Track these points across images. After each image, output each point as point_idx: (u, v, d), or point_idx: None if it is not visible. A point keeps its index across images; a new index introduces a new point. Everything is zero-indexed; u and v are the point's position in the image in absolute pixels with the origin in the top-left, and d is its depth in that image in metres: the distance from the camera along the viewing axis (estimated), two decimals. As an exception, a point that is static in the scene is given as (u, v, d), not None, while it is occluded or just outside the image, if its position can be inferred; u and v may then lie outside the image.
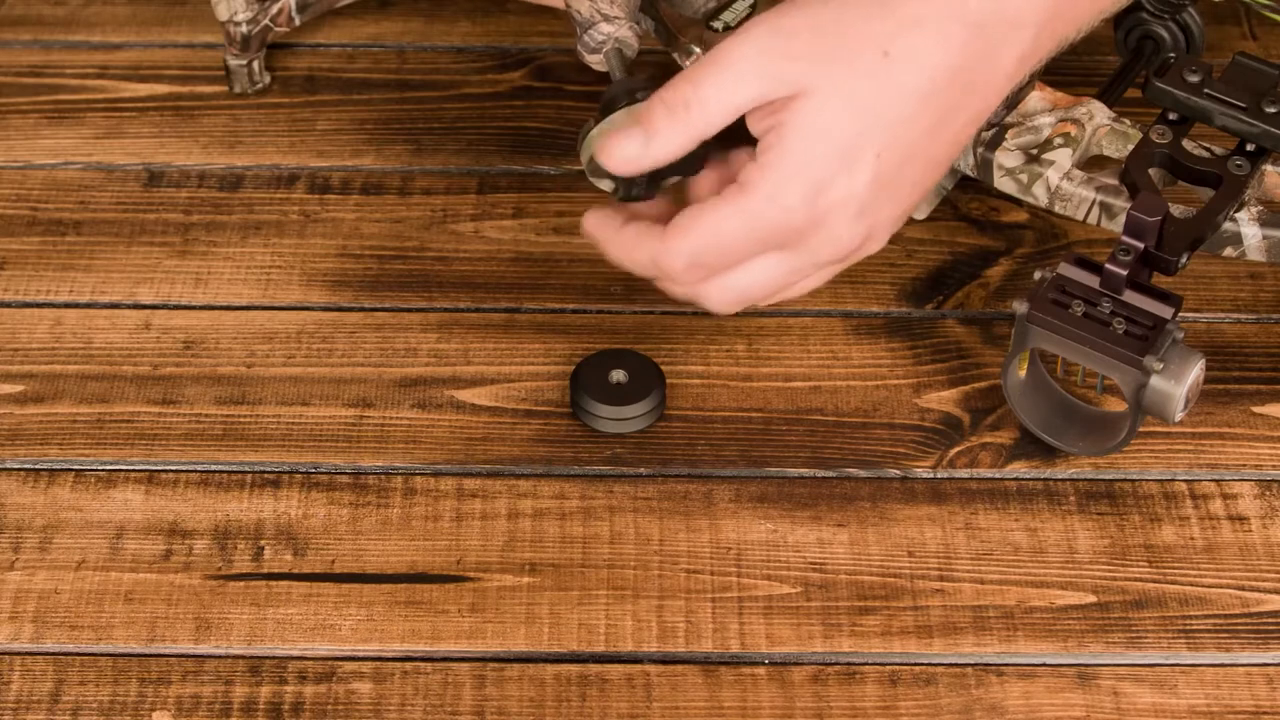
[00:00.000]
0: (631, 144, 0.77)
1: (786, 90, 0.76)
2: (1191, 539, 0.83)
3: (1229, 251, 0.86)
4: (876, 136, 0.76)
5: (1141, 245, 0.83)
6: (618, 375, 0.88)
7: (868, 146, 0.76)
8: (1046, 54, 0.80)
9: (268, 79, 1.04)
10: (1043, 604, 0.81)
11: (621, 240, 0.80)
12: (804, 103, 0.75)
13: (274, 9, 1.02)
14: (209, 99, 1.04)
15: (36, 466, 0.86)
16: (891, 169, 0.77)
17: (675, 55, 0.93)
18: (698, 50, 0.92)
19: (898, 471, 0.86)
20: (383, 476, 0.86)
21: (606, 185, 0.81)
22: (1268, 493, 0.85)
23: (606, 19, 0.80)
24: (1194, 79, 0.87)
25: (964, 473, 0.86)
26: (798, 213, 0.76)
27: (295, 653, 0.79)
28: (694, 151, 0.78)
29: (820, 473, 0.86)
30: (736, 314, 0.92)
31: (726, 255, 0.78)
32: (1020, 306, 0.82)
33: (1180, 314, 0.85)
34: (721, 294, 0.79)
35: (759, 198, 0.76)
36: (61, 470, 0.86)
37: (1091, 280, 0.83)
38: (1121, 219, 0.86)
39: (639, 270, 0.80)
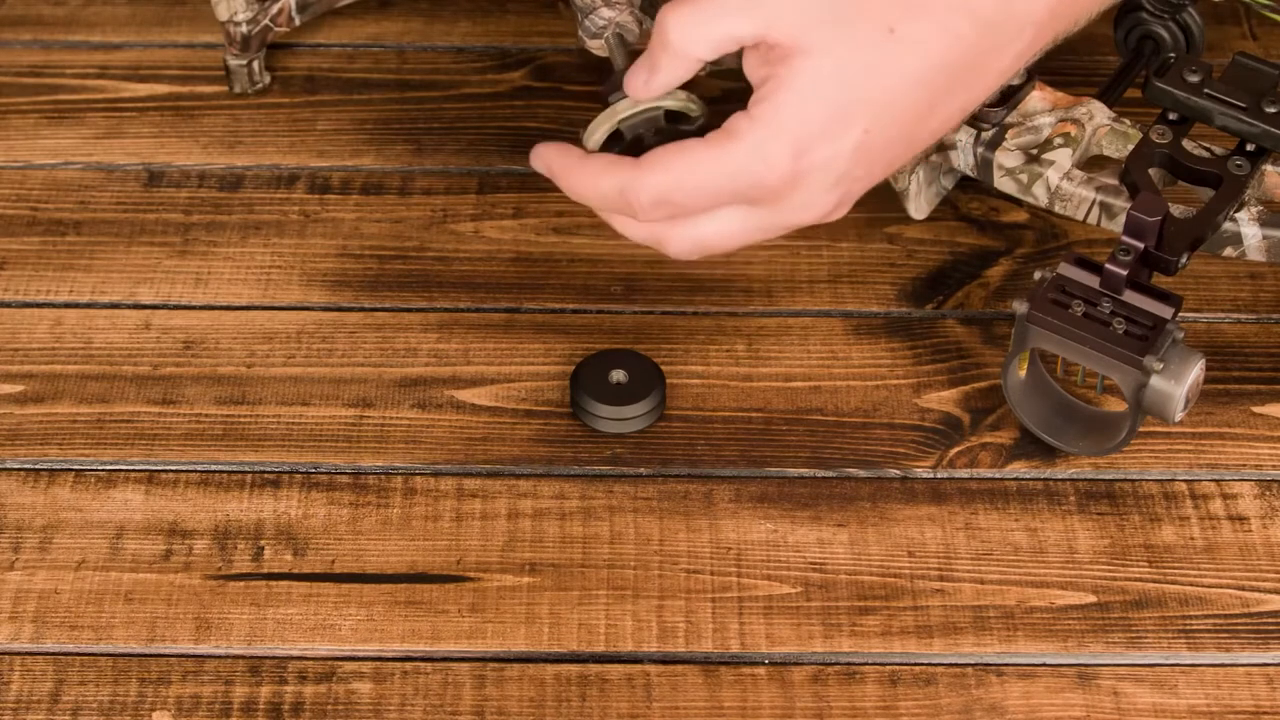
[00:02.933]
0: (640, 75, 0.78)
1: (789, 39, 0.75)
2: (1191, 539, 0.83)
3: (1229, 251, 0.86)
4: (867, 111, 0.76)
5: (1141, 245, 0.83)
6: (618, 375, 0.88)
7: (858, 118, 0.76)
8: (1041, 50, 0.81)
9: (268, 79, 1.04)
10: (1043, 604, 0.81)
11: (587, 169, 0.79)
12: (803, 61, 0.75)
13: (274, 9, 1.02)
14: (209, 99, 1.04)
15: (36, 466, 0.86)
16: (876, 145, 0.77)
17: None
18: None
19: (898, 471, 0.86)
20: (383, 476, 0.86)
21: None
22: (1268, 493, 0.85)
23: (607, 3, 0.80)
24: (1194, 79, 0.87)
25: (964, 473, 0.86)
26: (778, 170, 0.76)
27: (295, 653, 0.79)
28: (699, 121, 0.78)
29: (820, 473, 0.86)
30: (737, 314, 0.92)
31: (696, 197, 0.77)
32: (1020, 306, 0.82)
33: (1180, 314, 0.85)
34: (681, 239, 0.79)
35: (744, 147, 0.76)
36: (61, 470, 0.86)
37: (1091, 280, 0.83)
38: (1121, 219, 0.86)
39: (600, 202, 0.80)
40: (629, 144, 0.81)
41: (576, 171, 0.80)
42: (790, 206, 0.78)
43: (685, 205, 0.78)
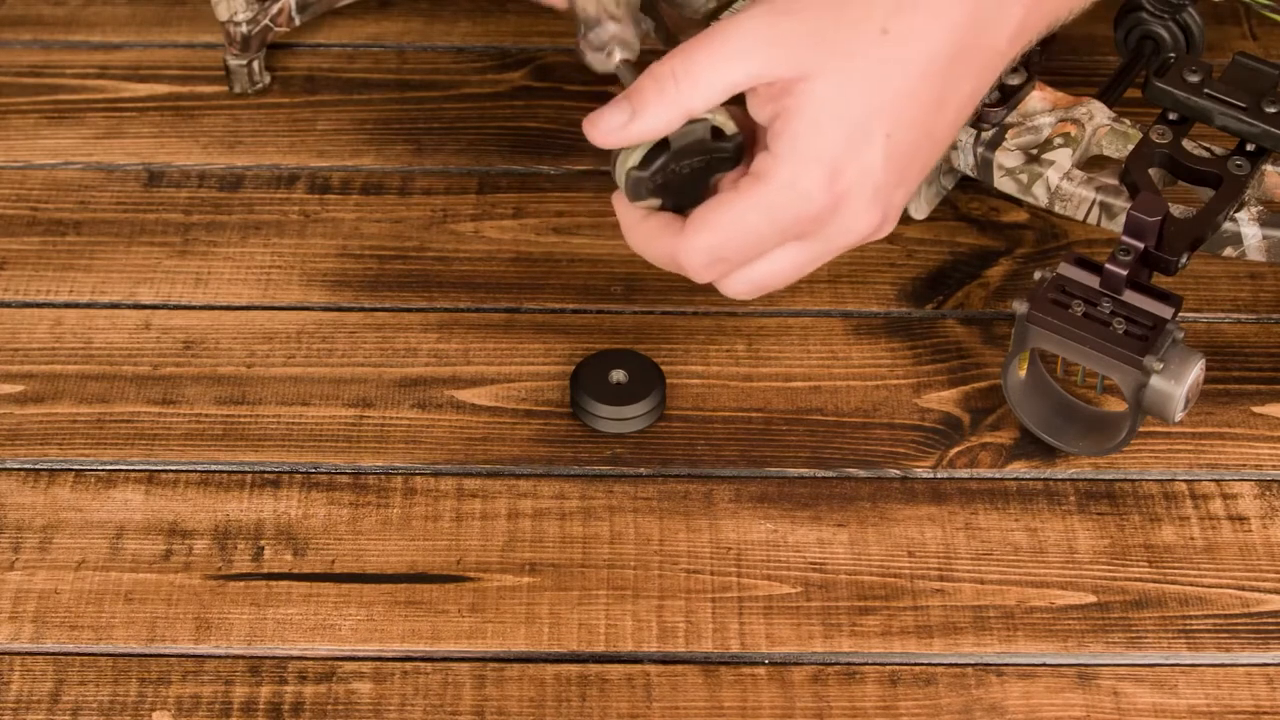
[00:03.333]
0: (617, 116, 0.77)
1: (786, 71, 0.75)
2: (1191, 539, 0.83)
3: (1229, 251, 0.86)
4: (885, 116, 0.76)
5: (1141, 245, 0.83)
6: (618, 375, 0.88)
7: (878, 126, 0.76)
8: (1037, 34, 0.80)
9: (268, 79, 1.04)
10: (1043, 604, 0.81)
11: (643, 233, 0.79)
12: (808, 85, 0.75)
13: (274, 9, 1.02)
14: (209, 99, 1.04)
15: (36, 466, 0.86)
16: (901, 149, 0.76)
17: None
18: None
19: (898, 471, 0.86)
20: (383, 476, 0.86)
21: (652, 203, 0.80)
22: (1268, 493, 0.85)
23: (613, 18, 0.80)
24: (1194, 79, 0.87)
25: (964, 473, 0.86)
26: (815, 199, 0.76)
27: (295, 653, 0.79)
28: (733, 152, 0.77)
29: (820, 473, 0.86)
30: (737, 314, 0.92)
31: (747, 249, 0.77)
32: (1020, 306, 0.82)
33: (1180, 314, 0.85)
34: (739, 285, 0.79)
35: (775, 187, 0.76)
36: (61, 470, 0.86)
37: (1091, 280, 0.83)
38: (1121, 219, 0.86)
39: (657, 262, 0.80)
40: (659, 180, 0.80)
41: (633, 233, 0.80)
42: (837, 231, 0.77)
43: (737, 258, 0.78)
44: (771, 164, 0.76)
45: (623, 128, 0.77)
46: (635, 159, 0.78)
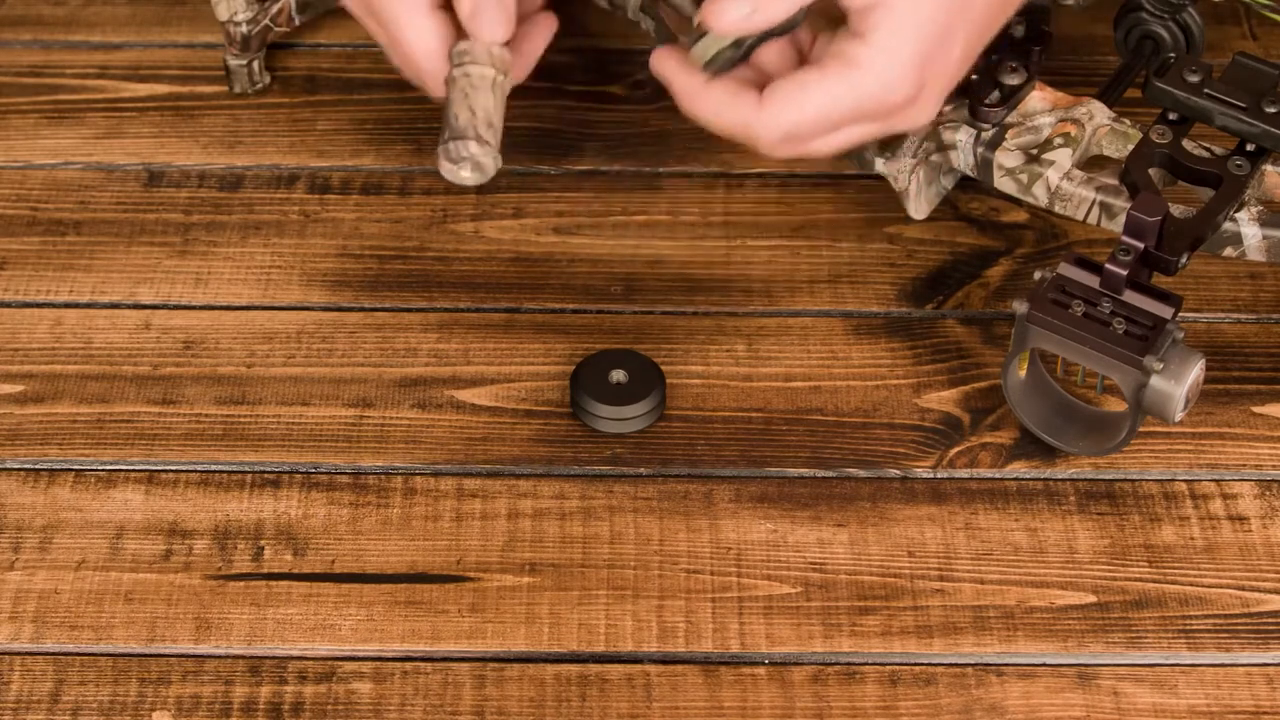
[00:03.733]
0: (741, 7, 0.78)
1: None
2: (1191, 539, 0.83)
3: (1229, 251, 0.86)
4: (965, 19, 0.79)
5: (1141, 245, 0.83)
6: (618, 375, 0.88)
7: (959, 27, 0.79)
8: None
9: (268, 79, 1.04)
10: (1043, 604, 0.81)
11: (709, 98, 0.80)
12: None
13: (274, 9, 1.02)
14: (209, 99, 1.04)
15: (36, 466, 0.86)
16: (969, 52, 0.80)
17: (675, 55, 0.93)
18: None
19: (898, 471, 0.86)
20: (383, 476, 0.86)
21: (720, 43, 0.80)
22: (1268, 493, 0.85)
23: (480, 139, 0.79)
24: (1194, 79, 0.87)
25: (964, 473, 0.86)
26: (902, 91, 0.78)
27: (295, 653, 0.79)
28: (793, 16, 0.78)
29: (820, 473, 0.86)
30: (737, 314, 0.92)
31: (823, 128, 0.79)
32: (1020, 306, 0.82)
33: (1180, 314, 0.85)
34: (784, 151, 0.81)
35: (870, 75, 0.78)
36: (61, 470, 0.86)
37: (1091, 280, 0.83)
38: (1121, 219, 0.86)
39: (718, 129, 0.81)
40: (744, 55, 0.81)
41: (699, 98, 0.81)
42: (905, 119, 0.80)
43: (810, 135, 0.80)
44: (865, 52, 0.78)
45: (746, 19, 0.78)
46: (727, 40, 0.80)
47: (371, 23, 0.83)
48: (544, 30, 0.84)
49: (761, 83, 0.80)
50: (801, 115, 0.79)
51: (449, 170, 0.79)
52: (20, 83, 1.05)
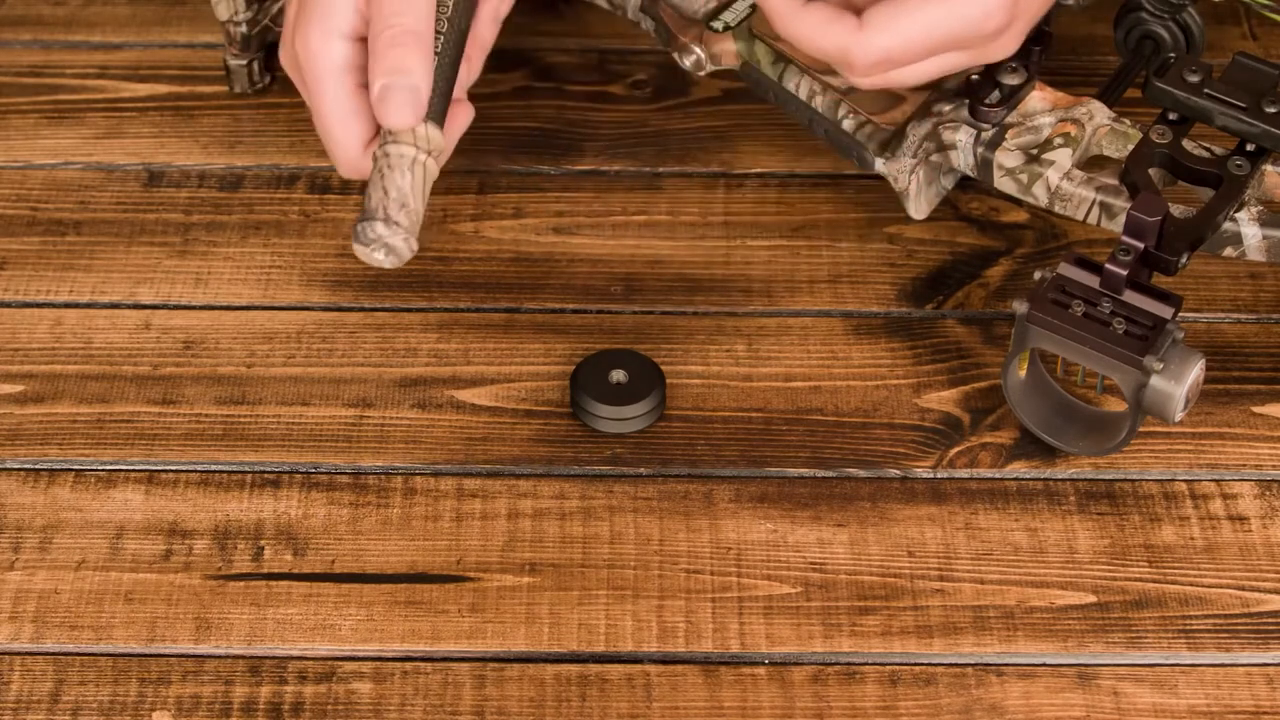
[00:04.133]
0: None
1: None
2: (1191, 539, 0.83)
3: (1229, 251, 0.86)
4: None
5: (1141, 245, 0.83)
6: (618, 375, 0.88)
7: None
8: None
9: (268, 79, 1.04)
10: (1043, 604, 0.81)
11: (807, 20, 0.81)
12: None
13: (274, 9, 1.02)
14: (209, 99, 1.04)
15: (36, 466, 0.86)
16: None
17: (675, 55, 0.93)
18: (698, 50, 0.92)
19: (898, 471, 0.86)
20: (383, 476, 0.86)
21: None
22: (1268, 493, 0.85)
23: (389, 221, 0.77)
24: (1194, 79, 0.87)
25: (964, 473, 0.86)
26: (997, 18, 0.80)
27: (295, 653, 0.80)
28: None
29: (820, 473, 0.86)
30: (737, 314, 0.92)
31: (917, 54, 0.80)
32: (1020, 306, 0.82)
33: (1180, 314, 0.85)
34: (879, 80, 0.82)
35: (969, 2, 0.79)
36: (61, 470, 0.86)
37: (1091, 280, 0.83)
38: (1121, 219, 0.86)
39: (815, 52, 0.82)
40: None
41: (796, 19, 0.81)
42: (995, 48, 0.82)
43: (904, 61, 0.81)
44: None
45: None
46: None
47: (301, 88, 0.82)
48: (462, 119, 0.84)
49: (857, 7, 0.81)
50: (899, 39, 0.79)
51: (361, 252, 0.78)
52: (20, 83, 1.05)
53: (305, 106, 1.03)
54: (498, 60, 1.06)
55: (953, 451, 0.87)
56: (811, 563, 0.83)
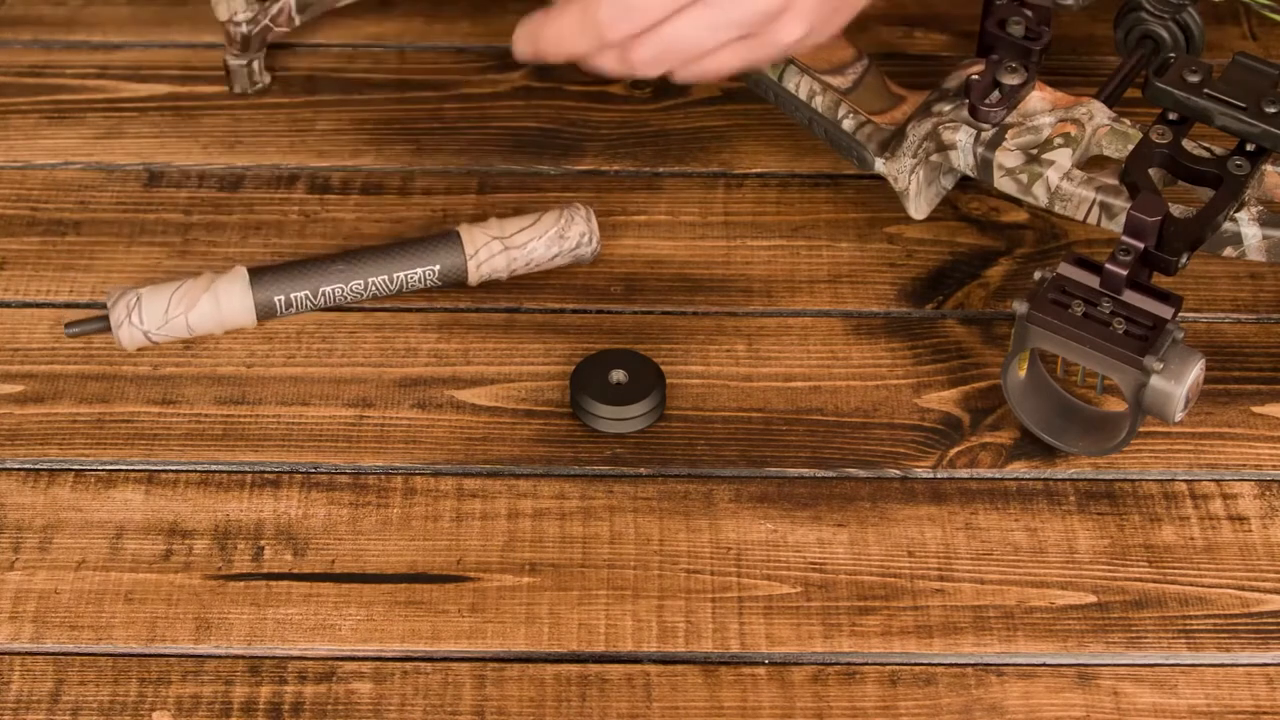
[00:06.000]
0: None
1: None
2: (1191, 539, 0.83)
3: (1229, 251, 0.86)
4: None
5: (1141, 245, 0.83)
6: (618, 375, 0.88)
7: None
8: None
9: (268, 79, 1.04)
10: (1043, 604, 0.81)
11: (552, 21, 0.82)
12: None
13: (274, 9, 1.02)
14: (209, 99, 1.04)
15: (36, 466, 0.86)
16: None
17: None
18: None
19: (898, 471, 0.86)
20: (383, 476, 0.86)
21: None
22: (1268, 493, 0.85)
23: None
24: (1194, 79, 0.87)
25: (964, 473, 0.86)
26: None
27: (295, 653, 0.79)
28: None
29: (820, 473, 0.86)
30: (737, 314, 0.92)
31: (649, 2, 0.80)
32: (1020, 306, 0.82)
33: (1180, 314, 0.85)
34: (645, 50, 0.81)
35: None
36: (61, 470, 0.86)
37: (1091, 280, 0.83)
38: (1121, 219, 0.86)
39: (575, 42, 0.82)
40: None
41: (548, 31, 0.82)
42: (778, 31, 0.82)
43: (639, 9, 0.80)
44: None
45: None
46: None
47: None
48: None
49: None
50: None
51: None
52: (20, 83, 1.05)
53: (305, 106, 1.03)
54: (498, 60, 1.06)
55: (953, 451, 0.87)
56: (811, 563, 0.83)
